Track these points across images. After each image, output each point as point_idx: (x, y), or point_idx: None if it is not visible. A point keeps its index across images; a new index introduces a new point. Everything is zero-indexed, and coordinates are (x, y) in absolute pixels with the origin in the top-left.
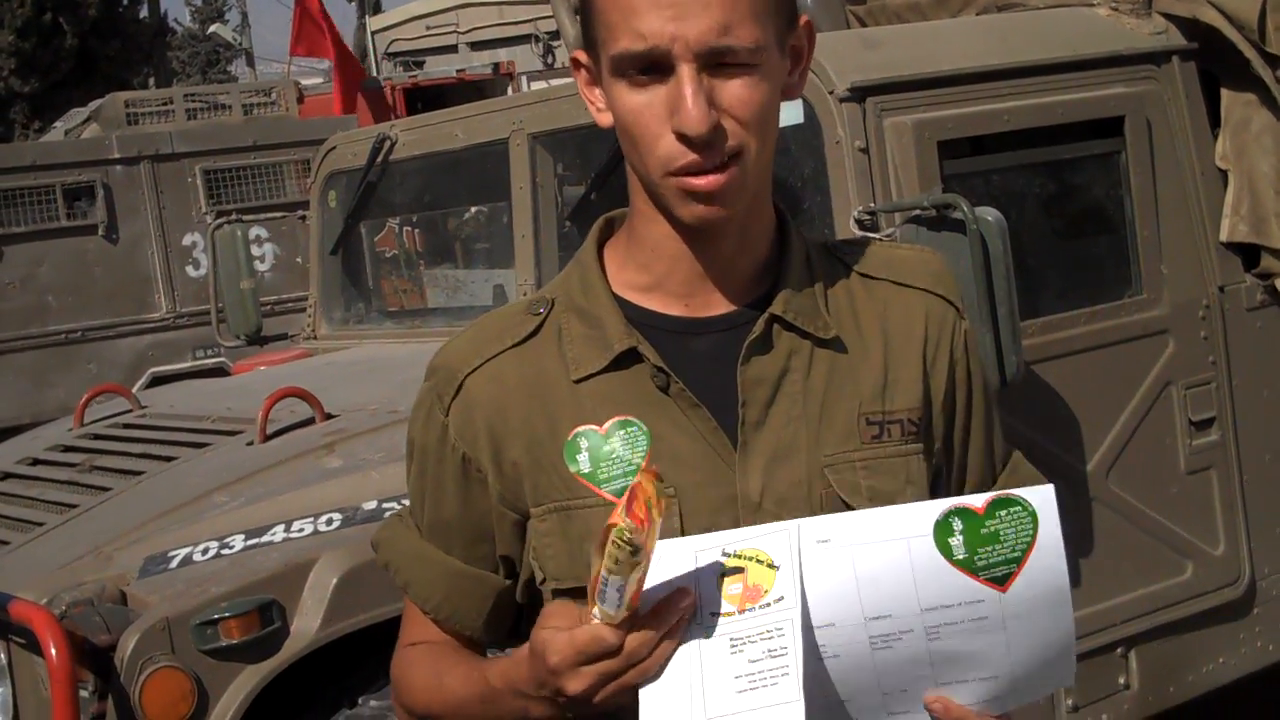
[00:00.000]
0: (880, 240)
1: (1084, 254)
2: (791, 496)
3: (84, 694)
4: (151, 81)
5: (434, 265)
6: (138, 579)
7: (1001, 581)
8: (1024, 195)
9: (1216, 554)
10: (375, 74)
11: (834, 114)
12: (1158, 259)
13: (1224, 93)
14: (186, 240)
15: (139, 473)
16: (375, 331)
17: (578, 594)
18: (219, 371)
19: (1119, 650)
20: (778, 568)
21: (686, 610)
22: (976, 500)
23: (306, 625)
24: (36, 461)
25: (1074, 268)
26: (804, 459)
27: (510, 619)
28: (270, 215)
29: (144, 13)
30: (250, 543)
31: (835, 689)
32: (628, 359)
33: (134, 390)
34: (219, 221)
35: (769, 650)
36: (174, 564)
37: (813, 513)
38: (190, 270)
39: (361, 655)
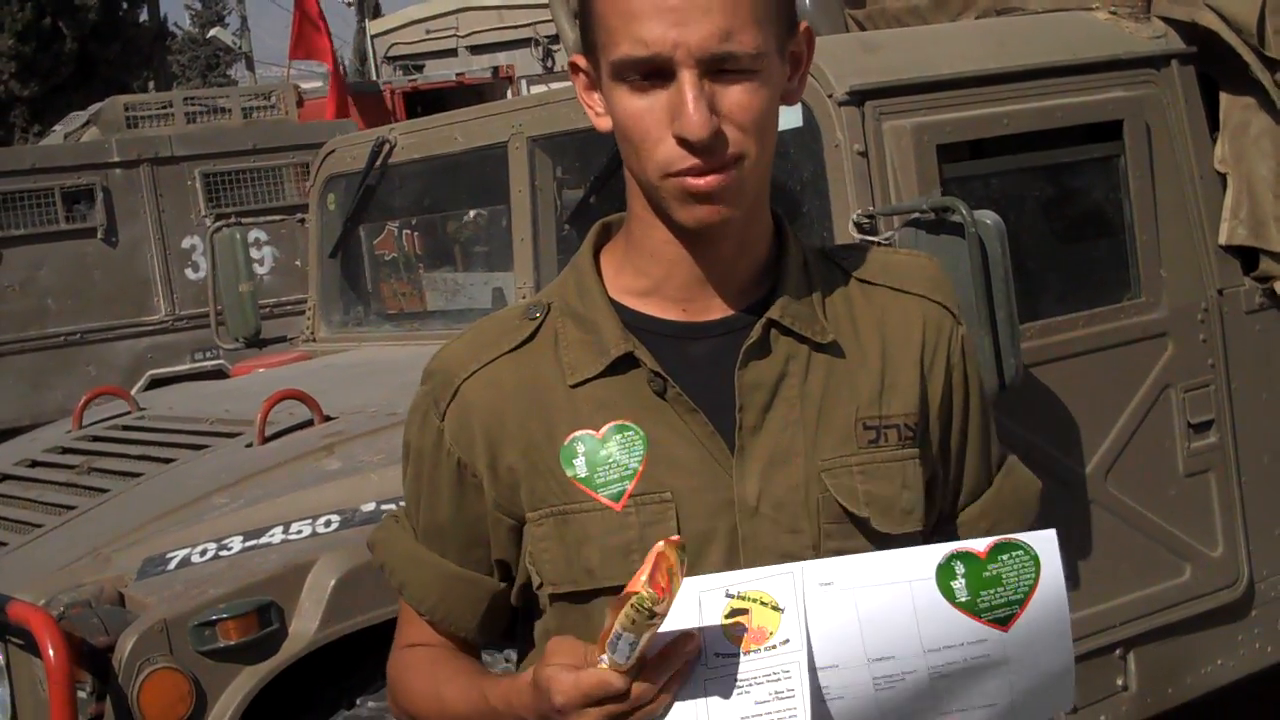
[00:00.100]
0: (877, 246)
1: (1083, 257)
2: (789, 501)
3: (82, 695)
4: (151, 85)
5: (433, 268)
6: (136, 580)
7: (1004, 622)
8: (1023, 199)
9: (1215, 556)
10: (375, 77)
11: (833, 117)
12: (1157, 262)
13: (1223, 96)
14: (186, 243)
15: (137, 474)
16: (374, 334)
17: (574, 598)
18: (218, 374)
19: (1117, 652)
20: (782, 610)
21: (692, 654)
22: (978, 545)
23: (305, 627)
24: (35, 463)
25: (1073, 271)
26: (801, 463)
27: (505, 621)
28: (269, 218)
29: (144, 16)
30: (249, 544)
31: None
32: (624, 364)
33: (133, 392)
34: (218, 224)
35: (776, 692)
36: (172, 565)
37: (810, 516)
38: (189, 273)
39: (360, 657)
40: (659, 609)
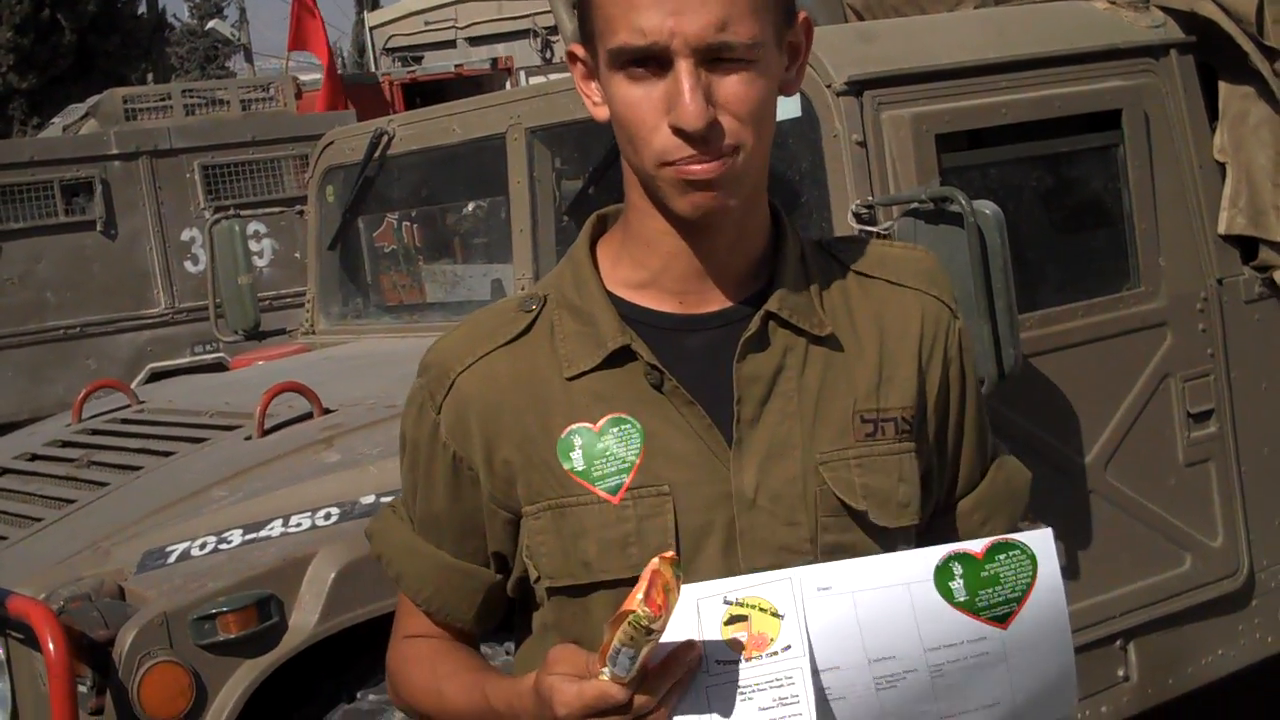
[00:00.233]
0: (874, 238)
1: (1082, 247)
2: (786, 493)
3: (82, 689)
4: (150, 77)
5: (432, 260)
6: (136, 574)
7: (1003, 620)
8: (1022, 188)
9: (1215, 546)
10: (374, 69)
11: (831, 108)
12: (1156, 252)
13: (1222, 86)
14: (185, 236)
15: (137, 468)
16: (373, 326)
17: (572, 592)
18: (217, 367)
19: (1118, 642)
20: (782, 616)
21: (693, 663)
22: (975, 545)
23: (304, 620)
24: (35, 457)
25: (1072, 261)
26: (799, 456)
27: (501, 612)
28: (268, 210)
29: (142, 8)
30: (248, 537)
31: None
32: (621, 356)
33: (132, 386)
34: (217, 217)
35: (779, 698)
36: (172, 559)
37: (808, 509)
38: (189, 266)
39: (360, 649)
40: (656, 626)
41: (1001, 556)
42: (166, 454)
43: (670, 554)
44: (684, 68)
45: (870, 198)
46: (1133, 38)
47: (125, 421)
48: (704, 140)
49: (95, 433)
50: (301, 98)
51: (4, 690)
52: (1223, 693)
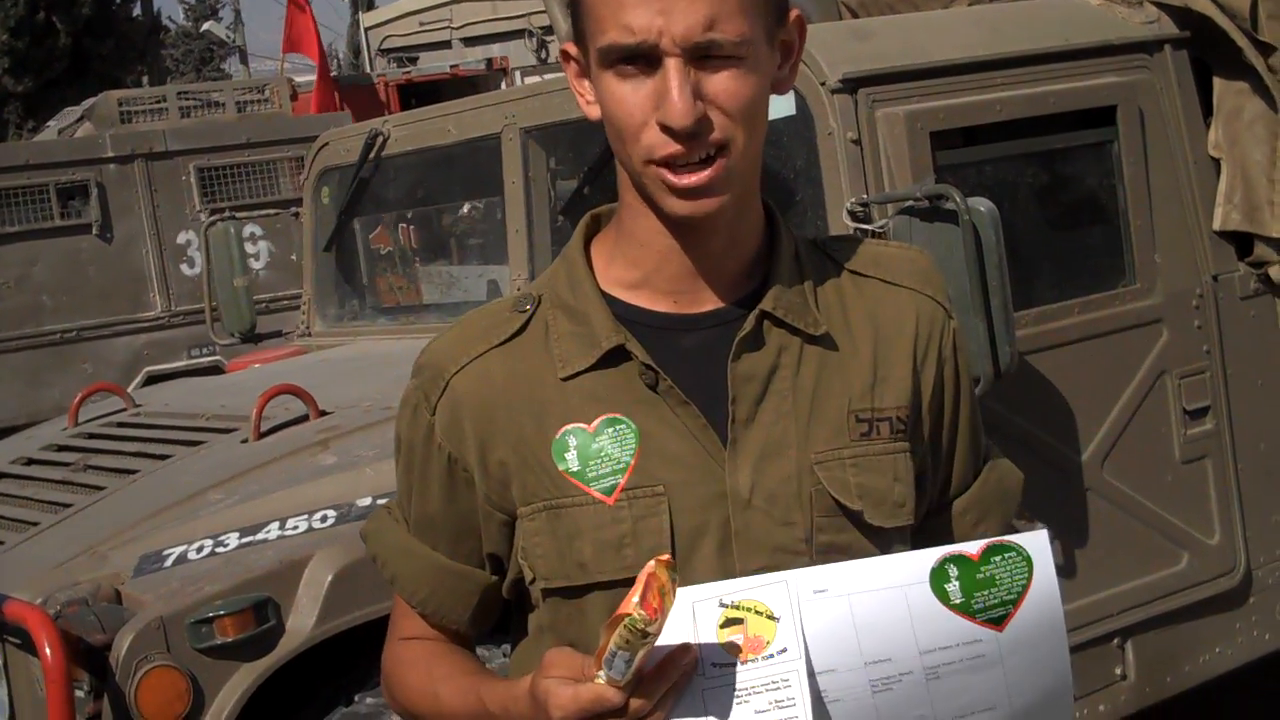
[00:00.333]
0: (868, 237)
1: (1077, 244)
2: (781, 493)
3: (79, 693)
4: (145, 80)
5: (428, 261)
6: (132, 578)
7: (999, 622)
8: (1017, 185)
9: (1212, 543)
10: (369, 70)
11: (826, 105)
12: (1151, 248)
13: (1216, 81)
14: (181, 238)
15: (133, 471)
16: (369, 328)
17: (567, 593)
18: (214, 370)
19: (1115, 641)
20: (778, 619)
21: (689, 666)
22: (971, 547)
23: (302, 623)
24: (31, 461)
25: (1067, 258)
26: (794, 456)
27: (497, 613)
28: (264, 212)
29: (137, 11)
30: (245, 540)
31: None
32: (616, 356)
33: (129, 389)
34: (213, 219)
35: (775, 701)
36: (169, 562)
37: (803, 509)
38: (185, 269)
39: (357, 652)
40: (651, 629)
41: (997, 559)
42: (163, 457)
43: (666, 557)
44: (672, 66)
45: (865, 195)
46: (1127, 34)
47: (122, 425)
48: (691, 136)
49: (91, 436)
50: (297, 99)
51: (1, 695)
52: (1220, 691)
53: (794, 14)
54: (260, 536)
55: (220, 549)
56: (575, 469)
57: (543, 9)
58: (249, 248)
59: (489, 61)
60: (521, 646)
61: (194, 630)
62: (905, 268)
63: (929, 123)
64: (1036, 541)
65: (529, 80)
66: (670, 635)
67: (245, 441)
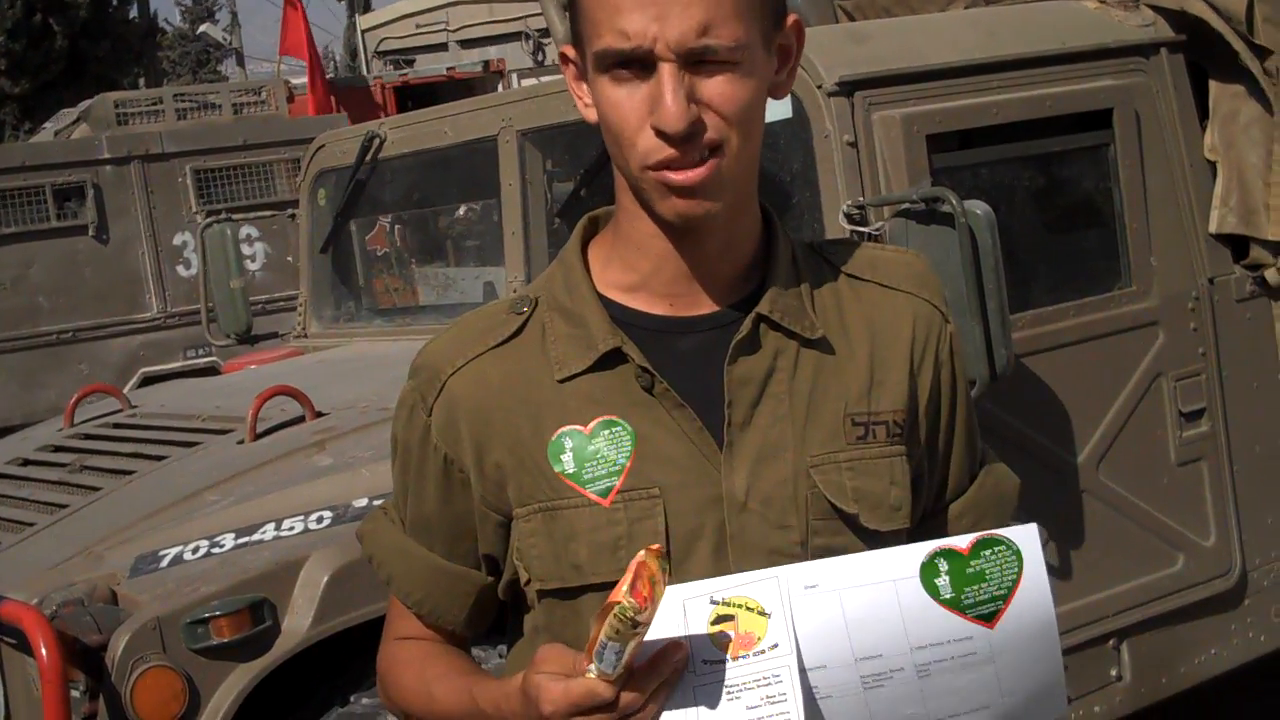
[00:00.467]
0: (865, 241)
1: (1073, 247)
2: (777, 496)
3: (75, 694)
4: (141, 82)
5: (424, 263)
6: (128, 578)
7: (989, 618)
8: (1013, 188)
9: (1207, 545)
10: (366, 73)
11: (822, 108)
12: (1147, 251)
13: (1212, 85)
14: (177, 240)
15: (129, 472)
16: (365, 329)
17: (562, 594)
18: (210, 371)
19: (1110, 642)
20: (769, 615)
21: (680, 662)
22: (961, 541)
23: (298, 623)
24: (27, 462)
25: (1063, 260)
26: (790, 459)
27: (493, 614)
28: (260, 214)
29: (134, 13)
30: (241, 541)
31: None
32: (612, 359)
33: (125, 390)
34: (209, 221)
35: (766, 697)
36: (164, 563)
37: (799, 512)
38: (181, 270)
39: (353, 652)
40: (641, 618)
41: (987, 552)
42: (159, 458)
43: (657, 546)
44: (667, 70)
45: (861, 198)
46: (1123, 37)
47: (118, 426)
48: (686, 140)
49: (88, 437)
50: (293, 101)
51: None
52: (1215, 692)
53: (792, 18)
54: (256, 537)
55: (216, 550)
56: (571, 471)
57: (539, 12)
58: (245, 249)
59: (486, 64)
60: (517, 647)
61: (190, 631)
62: (902, 271)
63: (925, 125)
64: (1026, 535)
65: (525, 83)
66: (661, 632)
67: (241, 442)
